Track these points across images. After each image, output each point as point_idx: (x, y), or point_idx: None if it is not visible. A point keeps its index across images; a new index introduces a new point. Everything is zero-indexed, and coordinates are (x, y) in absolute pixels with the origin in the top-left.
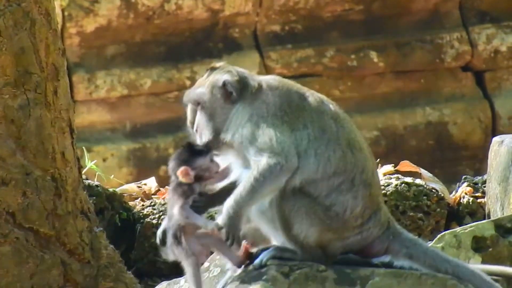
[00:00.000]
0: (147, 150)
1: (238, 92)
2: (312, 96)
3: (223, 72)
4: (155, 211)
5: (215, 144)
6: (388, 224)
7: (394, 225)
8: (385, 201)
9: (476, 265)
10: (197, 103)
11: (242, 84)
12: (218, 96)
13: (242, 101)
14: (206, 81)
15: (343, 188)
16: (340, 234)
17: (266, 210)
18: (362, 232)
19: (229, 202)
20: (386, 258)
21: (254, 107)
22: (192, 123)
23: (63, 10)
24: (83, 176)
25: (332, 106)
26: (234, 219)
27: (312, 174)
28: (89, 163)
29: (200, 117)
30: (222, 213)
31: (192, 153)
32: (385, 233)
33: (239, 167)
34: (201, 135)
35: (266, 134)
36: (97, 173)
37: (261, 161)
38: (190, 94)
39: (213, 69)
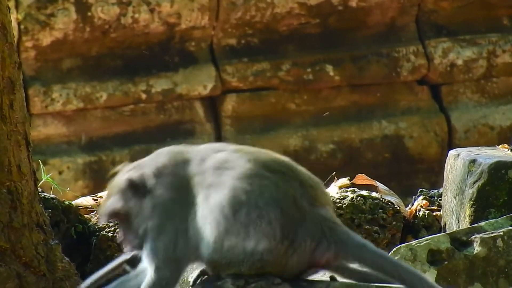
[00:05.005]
0: (103, 163)
1: (145, 184)
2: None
3: (123, 174)
4: (110, 224)
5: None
6: (323, 231)
7: (333, 230)
8: (341, 214)
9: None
10: (115, 214)
11: (144, 176)
12: (129, 197)
13: (149, 194)
14: (113, 190)
15: (251, 221)
16: (277, 266)
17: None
18: (296, 249)
19: None
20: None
21: (155, 197)
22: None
23: (19, 24)
24: (39, 189)
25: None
26: None
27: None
28: (45, 176)
29: (122, 226)
30: None
31: None
32: (323, 242)
33: None
34: (129, 243)
35: (162, 234)
36: (53, 186)
37: (148, 274)
38: (105, 210)
39: (113, 176)
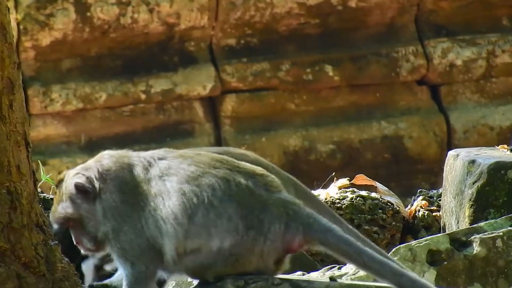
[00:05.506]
0: None
1: (94, 188)
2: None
3: (70, 179)
4: None
5: (100, 248)
6: (288, 214)
7: (298, 212)
8: (340, 215)
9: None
10: (67, 220)
11: (91, 179)
12: (79, 201)
13: (98, 197)
14: (62, 196)
15: (210, 221)
16: (253, 256)
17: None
18: (267, 235)
19: None
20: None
21: (104, 201)
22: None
23: (18, 24)
24: (39, 189)
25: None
26: None
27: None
28: (45, 176)
29: (75, 230)
30: None
31: None
32: (290, 224)
33: None
34: (84, 246)
35: (122, 235)
36: (52, 186)
37: (125, 273)
38: (55, 215)
39: (59, 182)
